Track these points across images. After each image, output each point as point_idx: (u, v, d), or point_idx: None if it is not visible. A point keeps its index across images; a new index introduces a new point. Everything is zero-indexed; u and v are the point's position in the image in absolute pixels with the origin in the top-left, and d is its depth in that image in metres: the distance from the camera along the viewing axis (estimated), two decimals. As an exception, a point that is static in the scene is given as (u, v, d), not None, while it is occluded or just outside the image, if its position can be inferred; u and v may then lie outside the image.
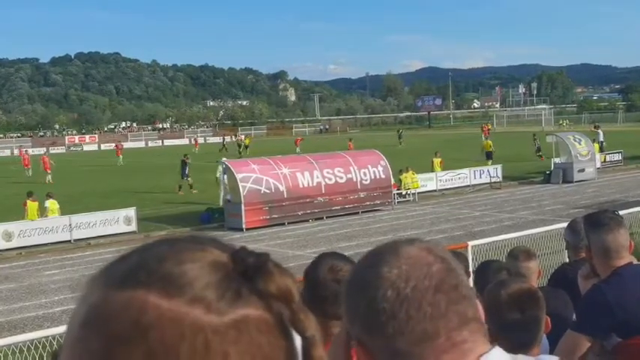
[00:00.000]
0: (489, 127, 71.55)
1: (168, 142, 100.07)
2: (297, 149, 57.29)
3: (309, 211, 25.27)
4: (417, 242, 1.22)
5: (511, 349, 1.46)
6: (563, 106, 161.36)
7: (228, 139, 77.41)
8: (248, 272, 0.71)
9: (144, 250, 0.73)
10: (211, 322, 0.67)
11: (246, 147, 64.11)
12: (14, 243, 22.14)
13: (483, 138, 60.93)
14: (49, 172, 44.82)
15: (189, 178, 34.53)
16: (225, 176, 26.10)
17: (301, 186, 25.29)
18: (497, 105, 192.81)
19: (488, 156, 39.76)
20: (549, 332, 3.01)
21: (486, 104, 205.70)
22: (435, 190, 31.01)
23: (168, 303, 0.67)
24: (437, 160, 34.25)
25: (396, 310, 1.13)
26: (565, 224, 5.20)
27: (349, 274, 1.27)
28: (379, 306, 1.14)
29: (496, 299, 2.91)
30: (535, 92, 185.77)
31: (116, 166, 56.12)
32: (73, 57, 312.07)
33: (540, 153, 42.91)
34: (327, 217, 25.38)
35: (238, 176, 24.22)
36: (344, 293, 1.24)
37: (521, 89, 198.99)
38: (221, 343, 0.66)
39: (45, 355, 8.06)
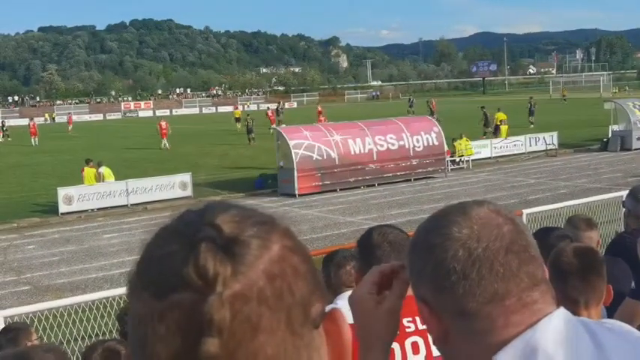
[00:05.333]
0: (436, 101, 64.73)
1: (222, 109, 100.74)
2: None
3: (360, 178, 25.27)
4: (486, 203, 1.23)
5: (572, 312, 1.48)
6: (623, 71, 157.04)
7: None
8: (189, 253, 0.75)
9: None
10: (145, 308, 0.73)
11: (238, 120, 56.38)
12: (74, 207, 22.71)
13: (434, 114, 55.34)
14: (165, 138, 42.47)
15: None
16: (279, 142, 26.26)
17: (353, 153, 25.27)
18: (554, 71, 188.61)
19: (496, 130, 37.14)
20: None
21: (542, 70, 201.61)
22: (489, 158, 30.66)
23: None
24: (504, 127, 34.16)
25: (467, 271, 1.14)
26: (623, 192, 5.12)
27: (415, 235, 1.27)
28: (450, 266, 1.15)
29: (557, 264, 2.94)
30: (593, 58, 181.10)
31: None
32: (127, 24, 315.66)
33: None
34: (378, 184, 25.35)
35: (291, 143, 24.33)
36: (409, 254, 1.24)
37: (579, 55, 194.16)
38: (151, 327, 0.73)
39: (105, 315, 8.32)
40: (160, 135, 42.74)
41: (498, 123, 37.57)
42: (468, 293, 1.14)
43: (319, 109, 60.76)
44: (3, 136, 57.98)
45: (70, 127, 67.91)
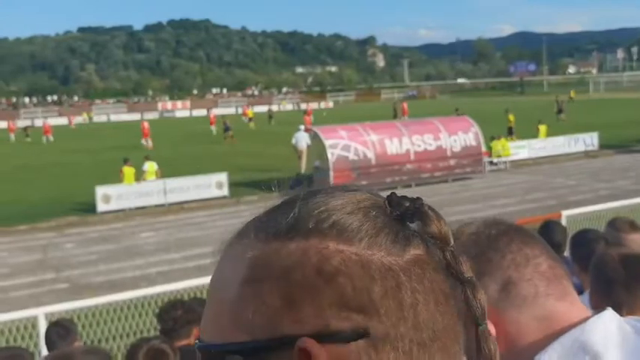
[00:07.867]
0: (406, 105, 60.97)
1: (257, 109, 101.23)
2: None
3: (397, 178, 25.14)
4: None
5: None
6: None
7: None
8: (406, 215, 0.71)
9: (300, 200, 0.72)
10: (397, 262, 0.67)
11: (251, 119, 60.64)
12: (112, 206, 22.95)
13: (404, 117, 51.83)
14: (147, 137, 45.06)
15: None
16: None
17: (389, 153, 25.15)
18: (594, 71, 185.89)
19: (510, 131, 36.07)
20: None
21: (582, 70, 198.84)
22: (528, 159, 30.31)
23: (349, 248, 0.67)
24: (543, 127, 33.72)
25: (493, 244, 1.21)
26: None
27: None
28: (477, 250, 1.21)
29: (601, 270, 2.88)
30: (635, 57, 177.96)
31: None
32: (165, 24, 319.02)
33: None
34: (415, 185, 25.19)
35: (327, 143, 24.30)
36: None
37: (620, 54, 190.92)
38: (410, 282, 0.67)
39: (144, 313, 8.37)
40: (142, 134, 46.03)
41: (511, 125, 36.95)
42: (503, 260, 1.20)
43: (309, 110, 63.70)
44: (27, 136, 59.05)
45: (72, 126, 74.73)
